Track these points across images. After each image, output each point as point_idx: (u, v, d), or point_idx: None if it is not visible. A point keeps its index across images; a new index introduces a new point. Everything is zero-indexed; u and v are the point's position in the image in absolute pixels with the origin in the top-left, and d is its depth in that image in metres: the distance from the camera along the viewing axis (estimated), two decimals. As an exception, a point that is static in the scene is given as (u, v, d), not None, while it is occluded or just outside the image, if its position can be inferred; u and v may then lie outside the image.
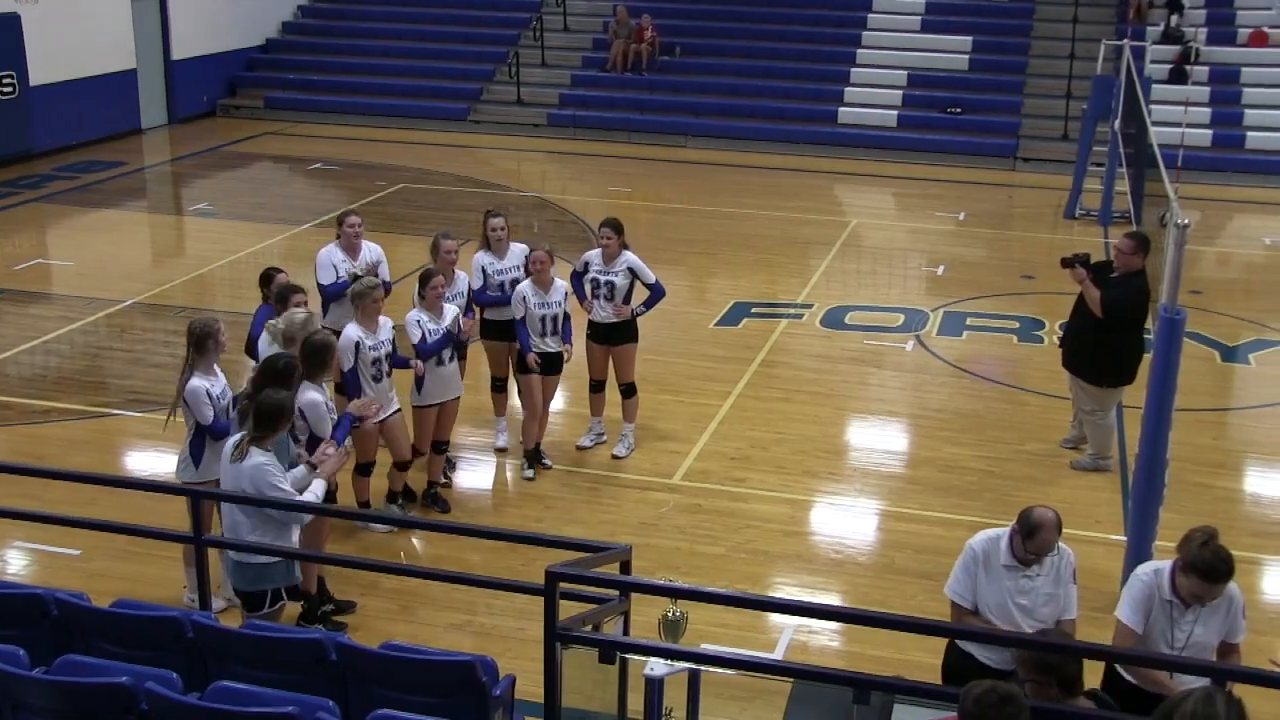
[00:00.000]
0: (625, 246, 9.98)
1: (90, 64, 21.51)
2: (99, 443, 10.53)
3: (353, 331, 8.45)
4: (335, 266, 9.63)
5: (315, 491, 6.77)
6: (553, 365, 9.68)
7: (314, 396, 7.46)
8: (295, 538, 6.74)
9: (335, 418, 7.60)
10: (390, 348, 8.58)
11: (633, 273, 9.90)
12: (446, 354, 8.96)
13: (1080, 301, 9.81)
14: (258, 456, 6.52)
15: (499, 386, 10.21)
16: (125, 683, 4.82)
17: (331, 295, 9.56)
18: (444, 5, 26.48)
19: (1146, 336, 9.46)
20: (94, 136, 21.58)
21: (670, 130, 22.88)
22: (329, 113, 24.14)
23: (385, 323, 8.65)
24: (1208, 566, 5.44)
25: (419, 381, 8.90)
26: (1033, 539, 5.87)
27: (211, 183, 20.11)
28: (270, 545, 6.55)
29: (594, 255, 10.01)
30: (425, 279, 8.93)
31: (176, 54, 23.68)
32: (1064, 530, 5.98)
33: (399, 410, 8.87)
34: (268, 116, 24.39)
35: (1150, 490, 7.61)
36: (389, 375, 8.61)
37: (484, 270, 9.74)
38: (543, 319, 9.48)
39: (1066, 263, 9.75)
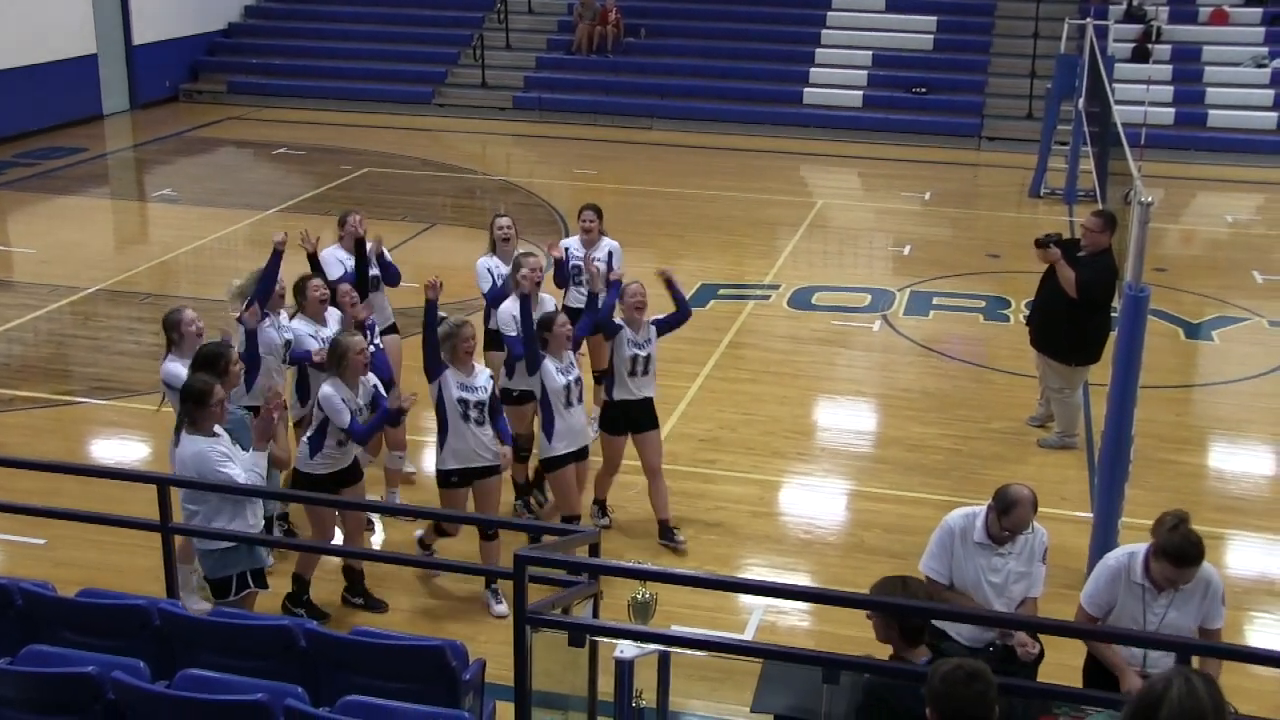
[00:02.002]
0: (603, 232, 9.92)
1: (50, 49, 21.23)
2: (63, 431, 10.45)
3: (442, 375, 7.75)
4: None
5: (255, 465, 6.61)
6: (646, 417, 8.61)
7: (326, 390, 7.44)
8: (254, 519, 6.68)
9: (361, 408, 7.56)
10: (487, 394, 7.78)
11: (611, 257, 9.76)
12: (575, 394, 8.07)
13: (1047, 281, 9.86)
14: (198, 443, 6.45)
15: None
16: (92, 672, 4.79)
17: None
18: (408, -12, 26.33)
19: (1113, 315, 9.53)
20: (55, 122, 21.32)
21: (636, 112, 22.83)
22: (293, 97, 23.94)
23: (480, 368, 7.90)
24: (1177, 550, 5.47)
25: (549, 429, 8.05)
26: (1008, 515, 5.93)
27: (175, 168, 19.94)
28: (236, 532, 6.51)
29: (572, 242, 9.87)
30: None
31: (138, 39, 23.42)
32: (1032, 508, 6.03)
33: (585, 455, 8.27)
34: (231, 101, 24.18)
35: (1116, 467, 7.67)
36: (483, 423, 7.76)
37: (490, 272, 9.26)
38: (634, 359, 8.45)
39: (1041, 243, 9.77)
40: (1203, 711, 3.48)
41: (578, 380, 8.10)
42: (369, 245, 9.22)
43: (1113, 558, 5.80)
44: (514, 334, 8.46)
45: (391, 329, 9.46)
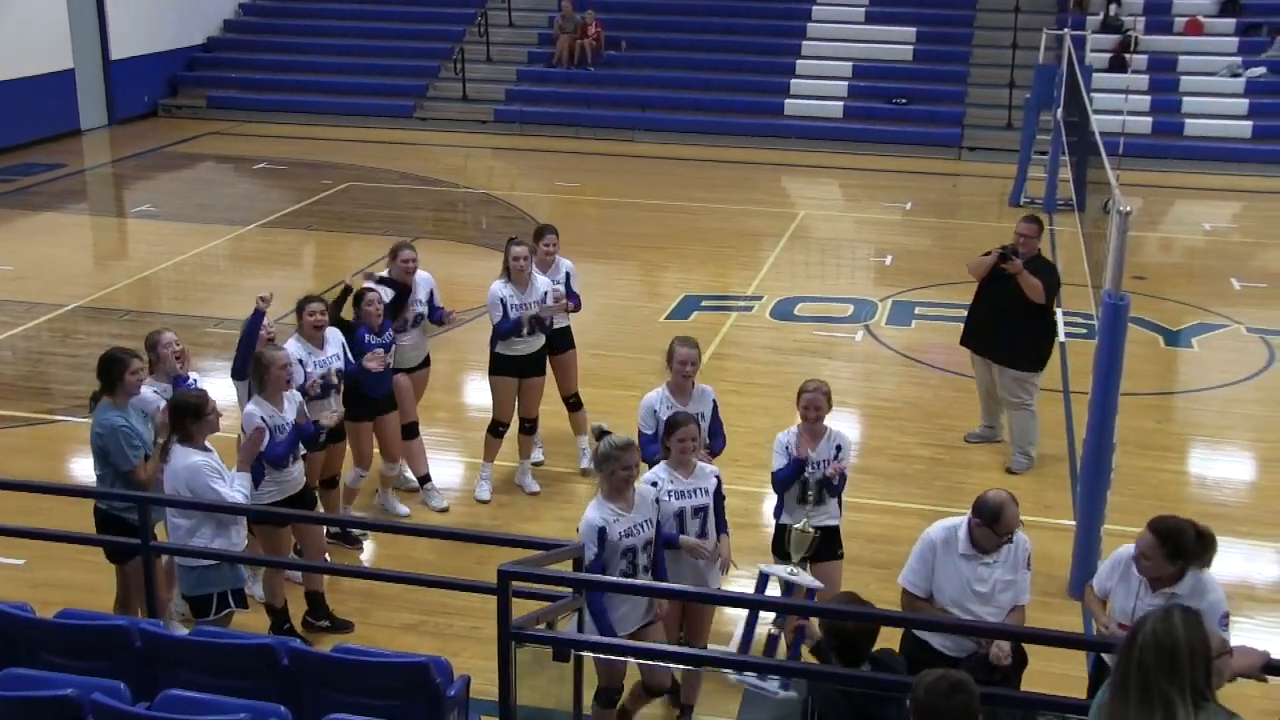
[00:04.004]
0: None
1: (26, 64, 21.16)
2: (43, 449, 10.39)
3: (596, 514, 6.23)
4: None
5: (241, 486, 6.70)
6: (824, 548, 6.88)
7: (248, 409, 7.39)
8: (237, 538, 6.68)
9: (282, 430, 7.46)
10: (651, 530, 6.31)
11: (568, 277, 9.61)
12: (645, 559, 6.32)
13: (994, 292, 9.74)
14: (191, 456, 6.47)
15: (498, 431, 9.49)
16: (71, 695, 4.74)
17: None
18: (388, 2, 26.28)
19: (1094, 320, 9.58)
20: (32, 138, 21.25)
21: (617, 125, 22.84)
22: (273, 112, 23.89)
23: (643, 495, 6.33)
24: (1159, 521, 5.57)
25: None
26: (1000, 521, 5.86)
27: (154, 184, 19.87)
28: (218, 551, 6.49)
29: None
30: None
31: (115, 53, 23.36)
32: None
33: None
34: (211, 116, 24.12)
35: (1098, 475, 7.70)
36: (648, 570, 6.35)
37: (503, 302, 9.07)
38: (803, 483, 7.05)
39: (1004, 258, 9.65)
40: (1175, 641, 3.63)
41: (648, 546, 6.30)
42: (425, 284, 9.19)
43: (1125, 547, 5.83)
44: (650, 432, 7.45)
45: (425, 363, 9.40)
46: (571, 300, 9.58)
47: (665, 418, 7.07)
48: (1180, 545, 5.52)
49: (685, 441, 6.57)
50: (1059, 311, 10.10)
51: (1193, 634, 3.65)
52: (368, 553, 8.83)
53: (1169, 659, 3.62)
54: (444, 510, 9.31)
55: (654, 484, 6.50)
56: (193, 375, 7.77)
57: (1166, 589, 5.59)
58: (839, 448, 7.09)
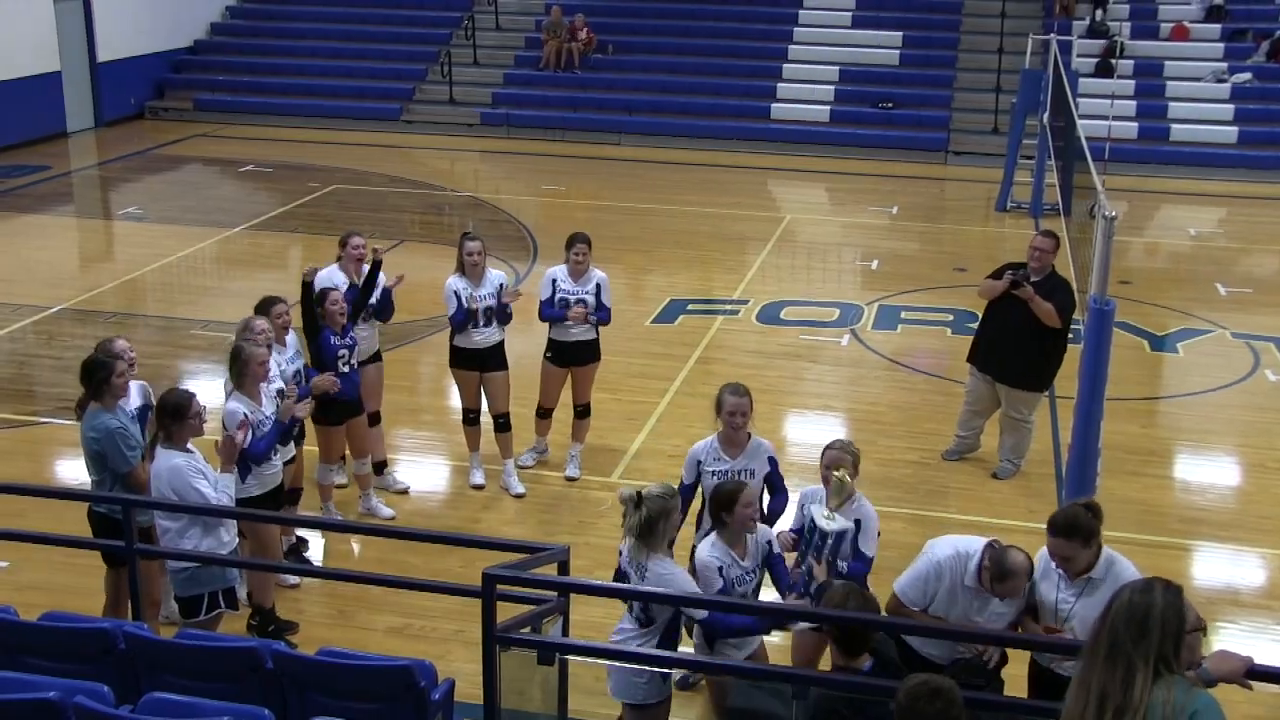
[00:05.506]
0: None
1: (12, 66, 21.11)
2: (28, 452, 10.35)
3: (687, 569, 6.04)
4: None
5: (226, 487, 6.72)
6: None
7: (231, 405, 7.38)
8: (227, 537, 6.67)
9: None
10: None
11: (599, 289, 9.51)
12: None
13: (1006, 313, 9.56)
14: (174, 458, 6.47)
15: (471, 419, 9.56)
16: (54, 698, 4.72)
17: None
18: (375, 5, 26.24)
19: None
20: (18, 140, 21.19)
21: (604, 128, 22.86)
22: (260, 114, 23.87)
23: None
24: (1050, 520, 5.67)
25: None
26: (1003, 584, 5.83)
27: (141, 186, 19.82)
28: (203, 554, 6.47)
29: (559, 271, 9.53)
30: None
31: (102, 56, 23.32)
32: (1000, 521, 6.04)
33: None
34: (197, 118, 24.08)
35: (1083, 480, 7.70)
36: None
37: (457, 295, 9.13)
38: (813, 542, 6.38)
39: (1015, 284, 9.44)
40: (1149, 608, 3.73)
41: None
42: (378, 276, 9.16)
43: (1042, 549, 5.90)
44: (690, 482, 7.11)
45: (375, 357, 9.42)
46: (600, 313, 9.51)
47: (707, 471, 6.97)
48: (1084, 527, 5.58)
49: (748, 508, 6.04)
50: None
51: (1169, 606, 3.73)
52: (353, 555, 8.81)
53: (1140, 624, 3.69)
54: (404, 491, 9.46)
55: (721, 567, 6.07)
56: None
57: (1083, 575, 5.66)
58: (858, 522, 6.36)
